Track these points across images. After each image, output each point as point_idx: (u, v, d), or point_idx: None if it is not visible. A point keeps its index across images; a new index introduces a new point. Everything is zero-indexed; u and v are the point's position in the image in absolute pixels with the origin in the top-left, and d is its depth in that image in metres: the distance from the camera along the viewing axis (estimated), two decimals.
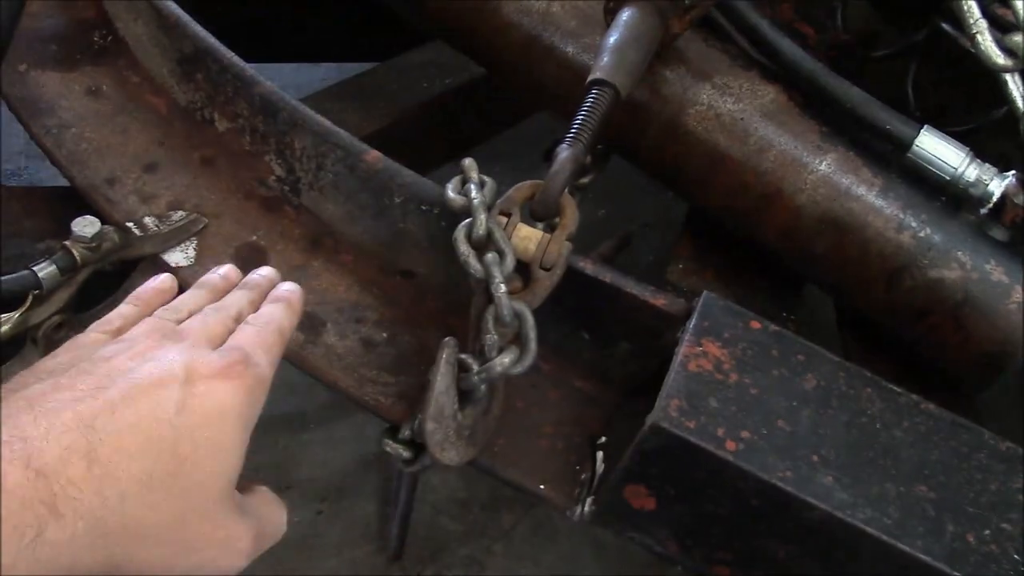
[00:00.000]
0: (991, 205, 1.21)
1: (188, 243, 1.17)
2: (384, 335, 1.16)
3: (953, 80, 1.56)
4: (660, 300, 1.09)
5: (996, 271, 1.20)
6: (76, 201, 1.19)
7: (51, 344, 1.11)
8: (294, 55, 1.83)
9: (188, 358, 0.73)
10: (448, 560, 1.64)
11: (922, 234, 1.22)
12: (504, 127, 1.86)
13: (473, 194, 1.04)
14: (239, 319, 0.86)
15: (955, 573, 0.92)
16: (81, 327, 1.12)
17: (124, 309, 0.86)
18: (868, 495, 0.95)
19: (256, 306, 0.90)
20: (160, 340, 0.76)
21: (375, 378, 1.12)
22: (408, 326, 1.17)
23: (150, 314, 0.85)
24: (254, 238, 1.20)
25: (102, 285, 1.19)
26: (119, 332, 0.81)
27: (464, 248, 1.02)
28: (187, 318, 0.84)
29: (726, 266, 1.41)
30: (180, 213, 1.19)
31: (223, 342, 0.80)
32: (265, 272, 0.96)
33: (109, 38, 1.33)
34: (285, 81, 1.76)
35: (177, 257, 1.16)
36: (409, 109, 1.62)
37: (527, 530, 1.68)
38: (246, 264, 1.16)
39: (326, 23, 1.77)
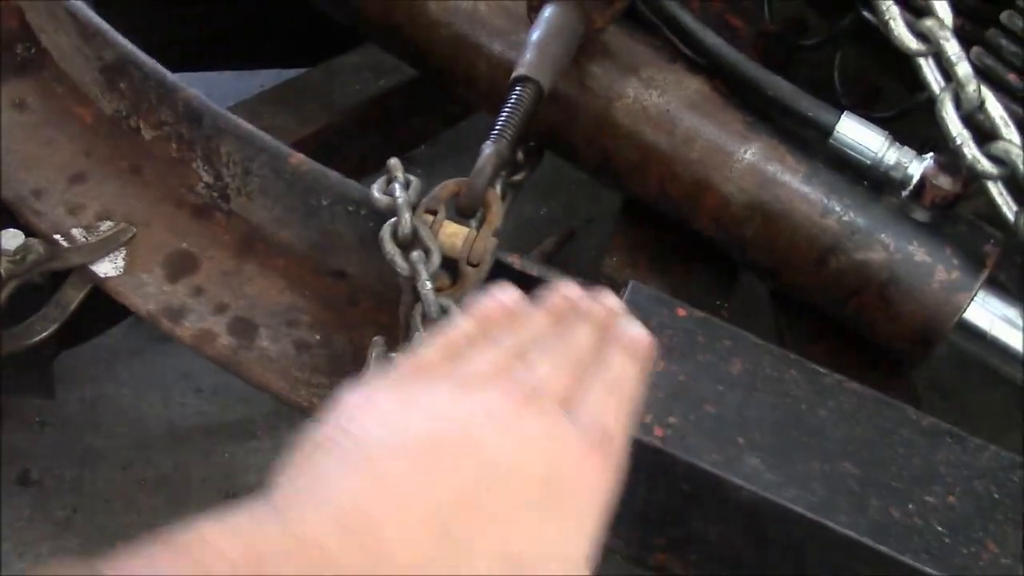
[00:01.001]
0: (911, 187, 1.23)
1: (117, 253, 1.17)
2: (317, 337, 1.16)
3: (880, 66, 1.59)
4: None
5: (919, 252, 1.23)
6: (5, 215, 1.18)
7: None
8: (226, 63, 1.83)
9: (555, 436, 0.60)
10: None
11: (846, 218, 1.24)
12: (444, 127, 1.86)
13: (397, 193, 1.05)
14: (587, 366, 0.69)
15: (879, 546, 0.94)
16: (11, 341, 1.13)
17: (468, 328, 0.71)
18: (794, 474, 0.97)
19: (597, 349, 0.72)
20: (518, 397, 0.62)
21: (309, 380, 1.12)
22: (341, 327, 1.17)
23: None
24: (184, 245, 1.20)
25: (32, 299, 1.19)
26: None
27: (390, 247, 1.02)
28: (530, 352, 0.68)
29: (660, 256, 1.42)
30: (108, 223, 1.19)
31: (575, 404, 0.65)
32: (611, 304, 0.78)
33: (33, 50, 1.32)
34: (224, 90, 1.75)
35: (106, 267, 1.16)
36: (344, 112, 1.62)
37: None
38: (175, 271, 1.17)
39: (259, 30, 1.76)
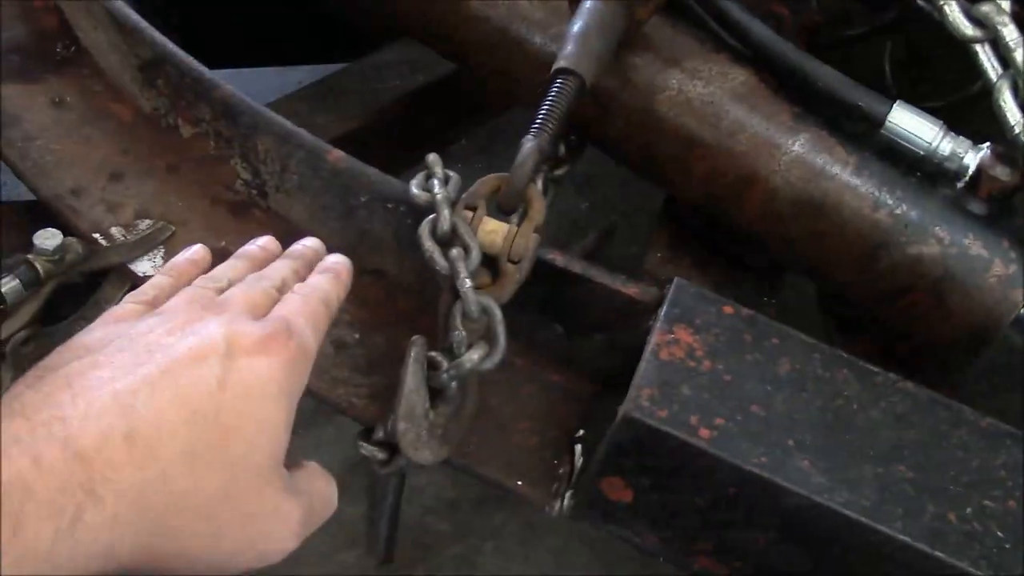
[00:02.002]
0: (967, 179, 1.19)
1: (155, 252, 1.16)
2: (356, 336, 1.15)
3: (932, 55, 1.55)
4: (632, 289, 1.08)
5: (975, 245, 1.19)
6: (45, 214, 1.18)
7: (19, 359, 1.10)
8: (263, 60, 1.82)
9: (229, 330, 0.70)
10: (438, 561, 1.63)
11: (898, 211, 1.20)
12: (483, 122, 1.84)
13: (436, 189, 1.03)
14: (283, 290, 0.83)
15: (936, 552, 0.90)
16: (49, 341, 1.12)
17: (158, 280, 0.84)
18: (845, 478, 0.94)
19: (301, 277, 0.88)
20: (199, 311, 0.74)
21: (347, 380, 1.11)
22: (379, 326, 1.16)
23: (187, 284, 0.82)
24: (223, 243, 1.18)
25: (71, 298, 1.19)
26: (154, 303, 0.79)
27: (429, 244, 1.00)
28: (227, 288, 0.82)
29: (704, 253, 1.39)
30: (147, 222, 1.18)
31: (266, 313, 0.78)
32: (310, 243, 0.95)
33: (72, 48, 1.32)
34: (263, 86, 1.73)
35: (145, 266, 1.15)
36: (382, 108, 1.60)
37: (517, 528, 1.66)
38: None
39: (295, 26, 1.75)
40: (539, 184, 1.38)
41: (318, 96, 1.58)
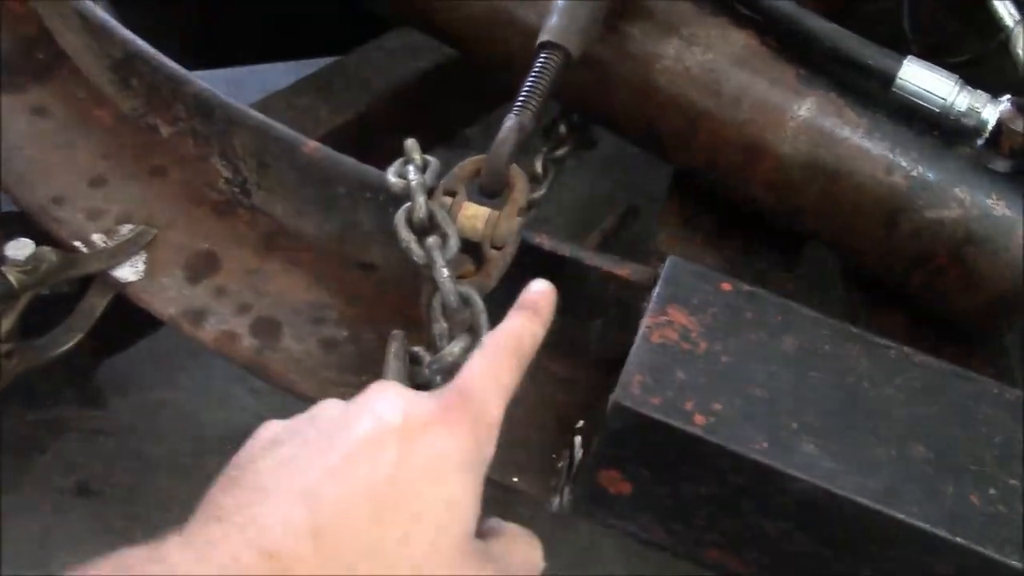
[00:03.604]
0: (987, 135, 1.11)
1: (137, 257, 1.13)
2: (345, 334, 1.10)
3: (950, 10, 1.46)
4: (625, 270, 1.02)
5: (998, 205, 1.11)
6: (21, 225, 1.15)
7: (5, 373, 1.08)
8: (259, 56, 1.79)
9: (404, 407, 0.68)
10: None
11: (914, 173, 1.13)
12: (490, 107, 1.79)
13: (411, 175, 0.98)
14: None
15: (956, 538, 0.83)
16: (37, 354, 1.09)
17: None
18: (857, 461, 0.87)
19: None
20: (383, 385, 0.73)
21: (337, 380, 1.07)
22: (370, 322, 1.11)
23: None
24: (206, 245, 1.15)
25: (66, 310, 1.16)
26: None
27: (405, 233, 0.96)
28: None
29: (717, 229, 1.32)
30: (128, 227, 1.15)
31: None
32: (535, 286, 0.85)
33: (52, 53, 1.30)
34: (268, 81, 1.69)
35: (126, 272, 1.12)
36: (381, 96, 1.56)
37: (544, 522, 1.60)
38: (196, 273, 1.13)
39: (290, 20, 1.71)
40: (538, 165, 1.34)
41: (316, 88, 1.54)
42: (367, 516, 0.62)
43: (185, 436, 1.65)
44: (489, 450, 0.70)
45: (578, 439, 1.05)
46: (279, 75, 1.66)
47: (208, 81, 1.13)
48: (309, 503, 0.61)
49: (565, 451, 1.04)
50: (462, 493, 0.66)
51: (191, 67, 1.16)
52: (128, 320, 1.20)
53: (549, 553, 1.61)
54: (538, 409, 1.07)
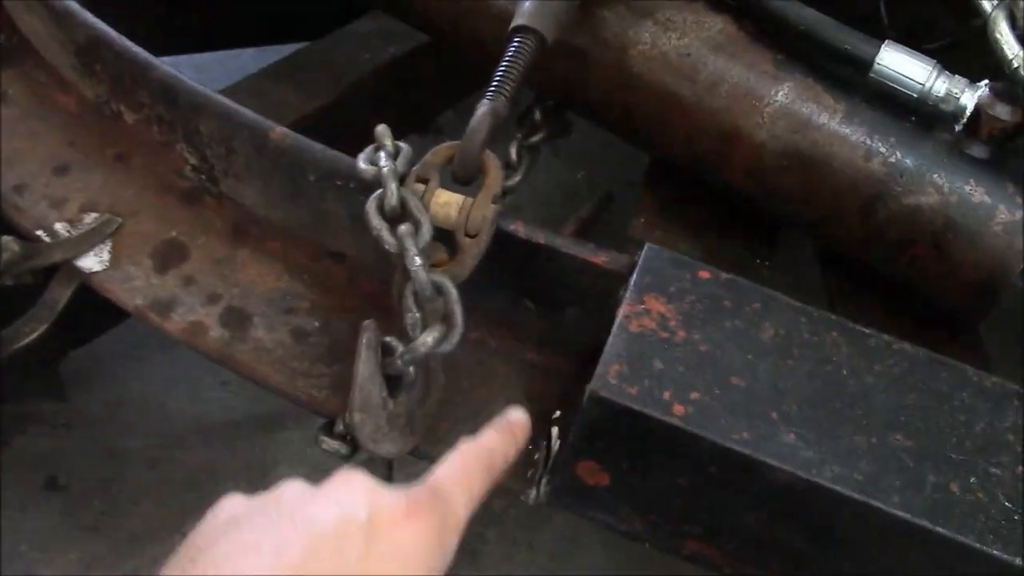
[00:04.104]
0: (965, 120, 1.10)
1: (102, 246, 1.10)
2: (316, 324, 1.08)
3: None
4: (601, 258, 1.00)
5: (977, 191, 1.10)
6: None
7: None
8: (230, 42, 1.75)
9: (371, 499, 0.65)
10: None
11: (892, 159, 1.12)
12: (465, 94, 1.76)
13: (382, 162, 0.96)
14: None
15: (937, 528, 0.82)
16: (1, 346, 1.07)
17: None
18: (836, 450, 0.86)
19: None
20: (349, 474, 0.69)
21: (308, 371, 1.05)
22: (342, 311, 1.09)
23: None
24: (174, 234, 1.12)
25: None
26: None
27: (376, 221, 0.93)
28: None
29: (693, 216, 1.31)
30: (93, 215, 1.12)
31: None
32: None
33: (14, 39, 1.26)
34: (248, 69, 1.66)
35: (90, 262, 1.09)
36: (353, 83, 1.53)
37: (521, 514, 1.60)
38: (164, 262, 1.10)
39: (262, 5, 1.68)
40: (513, 152, 1.32)
41: (286, 73, 1.51)
42: None
43: (154, 429, 1.63)
44: (451, 553, 0.69)
45: (555, 430, 1.03)
46: (250, 61, 1.63)
47: (177, 67, 1.10)
48: None
49: (542, 442, 1.02)
50: None
51: (159, 53, 1.13)
52: (94, 311, 1.17)
53: (528, 545, 1.61)
54: (515, 399, 1.05)
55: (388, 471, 1.54)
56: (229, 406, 1.65)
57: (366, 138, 1.04)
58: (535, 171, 2.01)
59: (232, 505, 0.68)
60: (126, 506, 1.54)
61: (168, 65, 1.11)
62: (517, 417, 0.83)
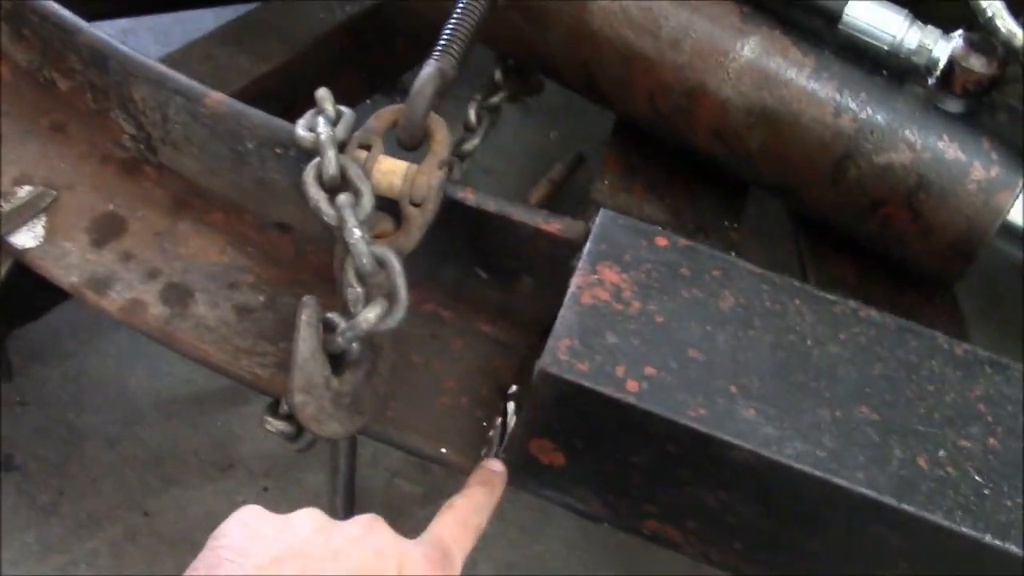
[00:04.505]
0: (938, 73, 1.06)
1: (36, 221, 1.05)
2: (261, 299, 1.03)
3: None
4: (554, 225, 0.96)
5: (950, 148, 1.06)
6: None
7: None
8: (184, 3, 1.69)
9: (400, 555, 0.72)
10: (409, 525, 1.51)
11: (863, 115, 1.07)
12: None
13: (320, 128, 0.91)
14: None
15: (903, 506, 0.78)
16: None
17: None
18: (799, 426, 0.82)
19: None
20: (374, 522, 0.76)
21: (251, 348, 1.00)
22: (289, 285, 1.05)
23: None
24: (111, 207, 1.07)
25: None
26: None
27: (314, 192, 0.89)
28: None
29: (659, 177, 1.26)
30: (27, 188, 1.07)
31: None
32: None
33: None
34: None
35: (24, 238, 1.04)
36: (308, 44, 1.47)
37: None
38: (101, 236, 1.05)
39: None
40: (472, 113, 1.27)
41: (236, 36, 1.45)
42: None
43: (113, 405, 1.58)
44: None
45: (511, 405, 0.99)
46: (212, 24, 1.56)
47: (135, 33, 1.05)
48: None
49: (496, 418, 0.98)
50: None
51: (115, 15, 1.07)
52: (37, 288, 1.12)
53: (499, 518, 1.57)
54: (472, 375, 1.01)
55: (349, 460, 1.50)
56: (191, 381, 1.60)
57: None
58: (504, 132, 1.97)
59: (261, 521, 0.73)
60: (85, 485, 1.50)
61: (103, 29, 1.06)
62: (495, 467, 0.91)
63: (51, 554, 1.43)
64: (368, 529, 0.73)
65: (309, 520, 0.74)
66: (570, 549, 1.56)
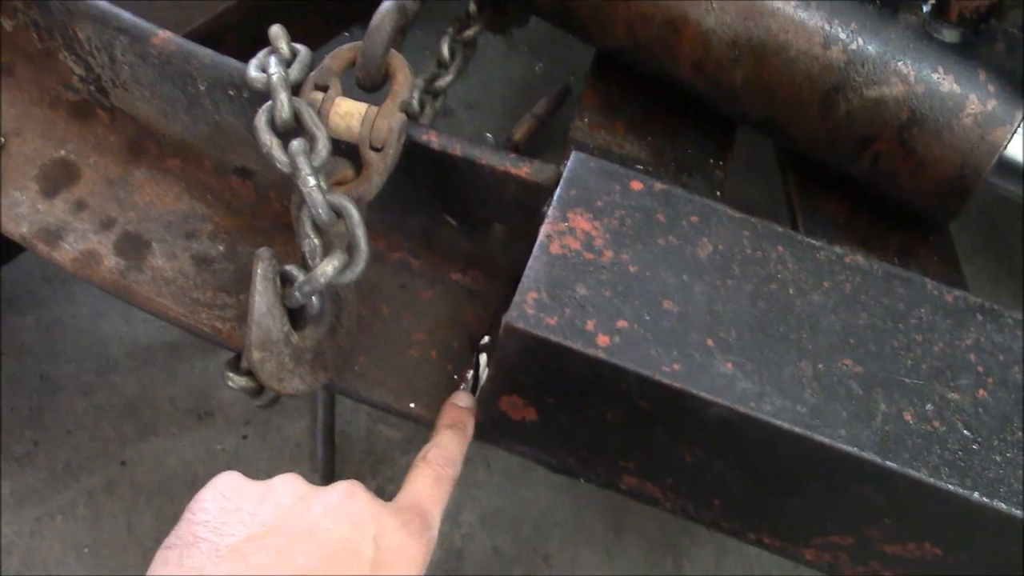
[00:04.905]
0: (933, 0, 0.99)
1: None
2: (221, 248, 0.99)
3: None
4: (523, 169, 0.90)
5: (946, 80, 1.00)
6: None
7: None
8: None
9: (378, 520, 0.71)
10: (390, 471, 1.51)
11: (853, 46, 1.01)
12: None
13: (272, 68, 0.85)
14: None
15: (886, 463, 0.75)
16: None
17: None
18: (778, 380, 0.78)
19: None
20: (353, 488, 0.73)
21: (211, 301, 0.96)
22: (250, 233, 1.00)
23: None
24: (62, 153, 1.02)
25: None
26: None
27: (266, 137, 0.83)
28: None
29: (641, 115, 1.20)
30: None
31: None
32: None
33: None
34: None
35: None
36: None
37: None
38: (52, 185, 1.00)
39: None
40: (445, 48, 1.21)
41: None
42: None
43: (88, 353, 1.54)
44: (427, 564, 0.74)
45: (483, 357, 0.95)
46: None
47: None
48: None
49: (468, 371, 0.94)
50: None
51: None
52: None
53: (485, 464, 1.54)
54: (442, 326, 0.97)
55: (328, 408, 1.46)
56: (166, 328, 1.56)
57: (300, 36, 0.93)
58: (487, 65, 1.90)
59: (238, 493, 0.70)
60: (60, 436, 1.47)
61: None
62: (463, 402, 0.88)
63: (26, 506, 1.40)
64: (347, 496, 0.71)
65: (287, 489, 0.71)
66: (556, 493, 1.53)
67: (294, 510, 0.69)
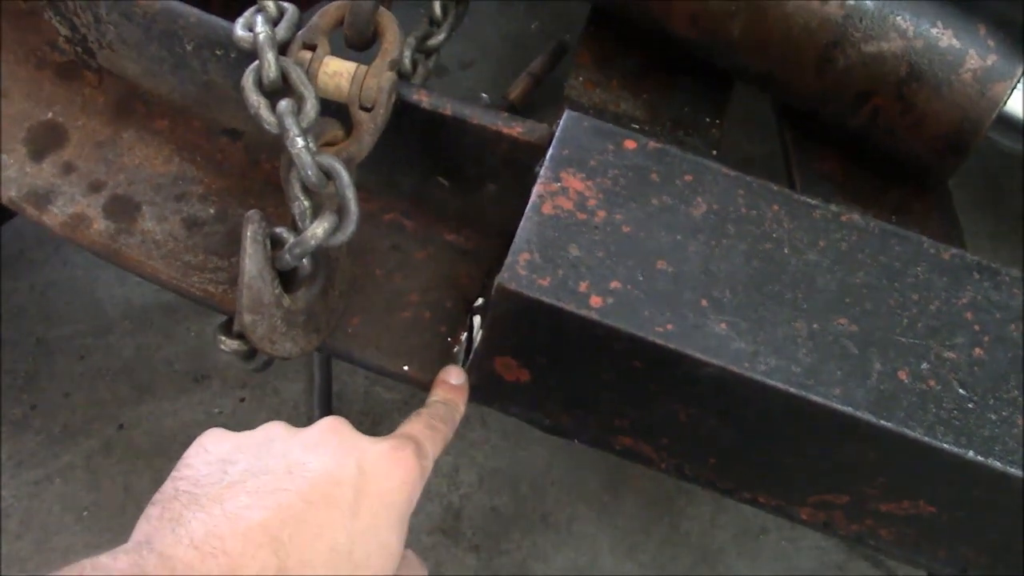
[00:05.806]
0: None
1: None
2: (212, 211, 0.98)
3: None
4: (516, 128, 0.89)
5: (944, 35, 0.98)
6: None
7: None
8: None
9: (360, 451, 0.70)
10: (388, 430, 1.51)
11: (851, 0, 0.99)
12: None
13: (258, 27, 0.84)
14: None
15: (881, 422, 0.74)
16: None
17: None
18: (773, 339, 0.77)
19: None
20: (337, 423, 0.73)
21: (202, 264, 0.95)
22: (240, 195, 0.99)
23: None
24: (50, 115, 1.01)
25: None
26: None
27: (254, 98, 0.82)
28: None
29: (636, 71, 1.19)
30: None
31: None
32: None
33: None
34: None
35: None
36: None
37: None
38: (40, 148, 0.99)
39: None
40: (437, 6, 1.19)
41: None
42: (323, 564, 0.65)
43: (83, 316, 1.54)
44: (418, 495, 0.72)
45: (477, 319, 0.94)
46: None
47: None
48: (274, 546, 0.63)
49: (461, 333, 0.94)
50: (397, 542, 0.69)
51: None
52: None
53: (482, 422, 1.54)
54: (436, 287, 0.96)
55: (325, 369, 1.46)
56: (160, 289, 1.55)
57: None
58: (483, 23, 1.88)
59: (220, 445, 0.70)
60: (57, 399, 1.47)
61: None
62: (454, 379, 0.87)
63: (24, 469, 1.41)
64: (329, 431, 0.71)
65: (270, 434, 0.71)
66: (553, 453, 1.54)
67: (274, 452, 0.69)
